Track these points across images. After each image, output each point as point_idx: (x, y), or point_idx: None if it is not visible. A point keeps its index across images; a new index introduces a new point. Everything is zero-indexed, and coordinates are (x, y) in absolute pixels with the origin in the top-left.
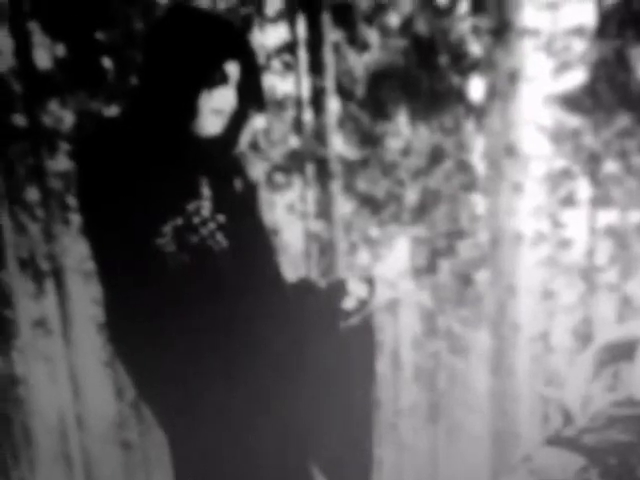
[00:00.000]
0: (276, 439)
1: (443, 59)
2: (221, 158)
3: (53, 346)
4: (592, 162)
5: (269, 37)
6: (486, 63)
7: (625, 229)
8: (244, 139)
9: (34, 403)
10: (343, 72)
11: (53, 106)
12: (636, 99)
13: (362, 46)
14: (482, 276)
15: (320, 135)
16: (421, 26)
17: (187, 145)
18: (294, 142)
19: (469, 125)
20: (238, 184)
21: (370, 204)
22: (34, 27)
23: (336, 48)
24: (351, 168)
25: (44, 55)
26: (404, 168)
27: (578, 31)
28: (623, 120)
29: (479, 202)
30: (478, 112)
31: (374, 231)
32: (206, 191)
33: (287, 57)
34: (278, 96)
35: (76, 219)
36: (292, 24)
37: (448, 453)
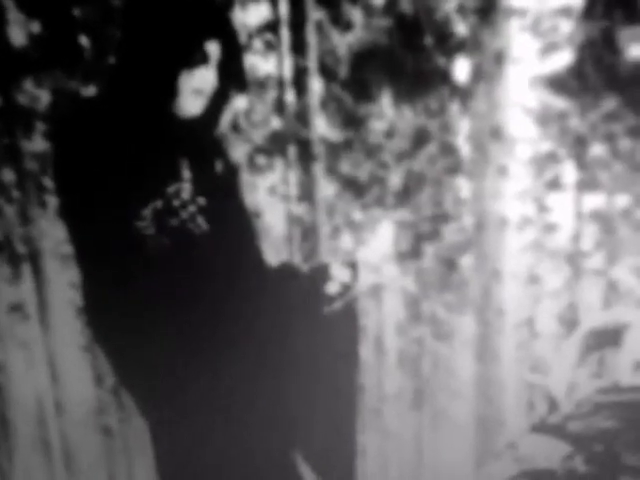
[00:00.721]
0: (260, 427)
1: (428, 39)
2: (202, 139)
3: (30, 331)
4: (578, 145)
5: (251, 16)
6: (472, 44)
7: (611, 214)
8: (225, 120)
9: (12, 389)
10: (326, 52)
11: (28, 85)
12: (623, 81)
13: (345, 25)
14: (467, 261)
15: (302, 116)
16: (406, 5)
17: (167, 126)
18: (276, 123)
19: (454, 107)
20: (219, 166)
21: (353, 187)
22: (8, 3)
23: (319, 27)
24: (334, 150)
25: (19, 32)
26: (388, 150)
27: (565, 11)
28: (610, 103)
29: (464, 185)
30: (463, 94)
31: (357, 215)
32: (186, 173)
33: (269, 36)
34: (260, 76)
35: (53, 201)
36: (274, 3)
37: (433, 439)
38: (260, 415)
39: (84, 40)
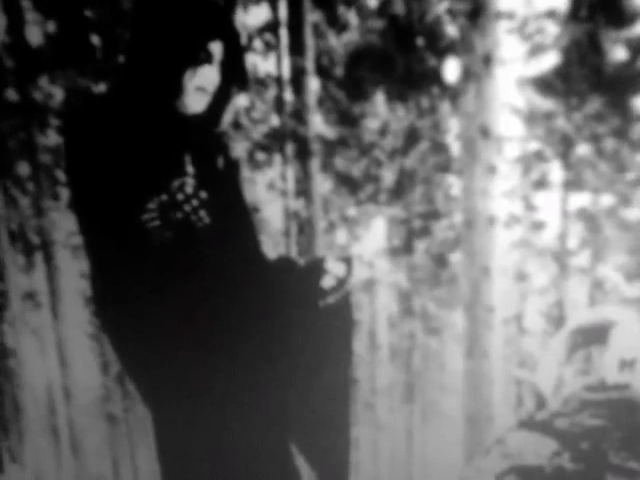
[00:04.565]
0: (257, 417)
1: (419, 41)
2: (204, 136)
3: (42, 319)
4: (564, 145)
5: (252, 18)
6: (461, 45)
7: (596, 212)
8: (227, 117)
9: (23, 375)
10: (322, 52)
11: (43, 82)
12: (608, 83)
13: (341, 27)
14: (456, 257)
15: (300, 114)
16: (398, 8)
17: (172, 122)
18: (275, 121)
19: (444, 106)
20: (220, 162)
21: (348, 183)
22: (27, 4)
23: (316, 29)
24: (330, 147)
25: (36, 32)
26: (381, 148)
27: (551, 14)
28: (595, 104)
29: (454, 183)
30: (453, 93)
31: (352, 210)
32: (190, 168)
33: (269, 37)
34: (260, 75)
35: (65, 193)
36: (274, 5)
37: (423, 432)
38: (256, 406)
39: (96, 40)
